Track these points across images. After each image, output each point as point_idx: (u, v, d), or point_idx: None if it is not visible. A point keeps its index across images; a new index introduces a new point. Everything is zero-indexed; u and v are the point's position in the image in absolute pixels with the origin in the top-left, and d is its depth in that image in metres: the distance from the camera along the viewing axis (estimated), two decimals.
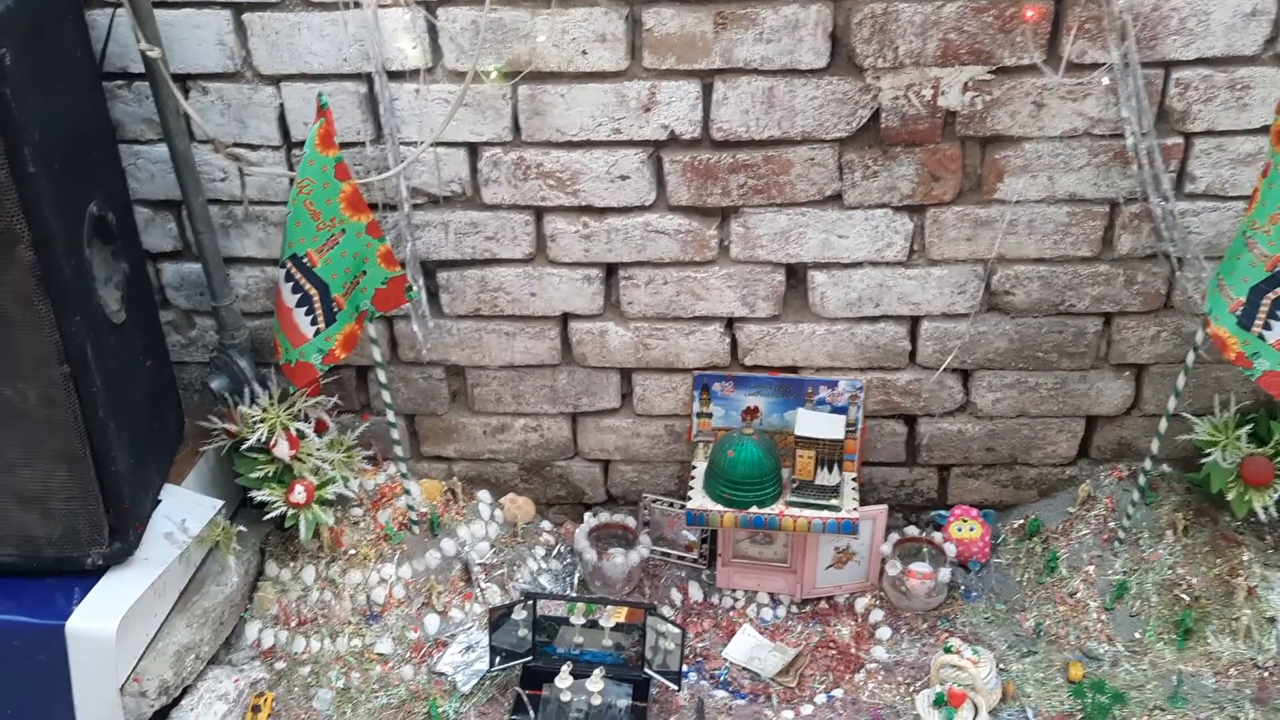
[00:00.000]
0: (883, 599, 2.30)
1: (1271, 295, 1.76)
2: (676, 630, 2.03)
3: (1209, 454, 2.11)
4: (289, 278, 1.93)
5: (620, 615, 2.09)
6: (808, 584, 2.31)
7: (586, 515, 2.42)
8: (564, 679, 2.03)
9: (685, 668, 2.17)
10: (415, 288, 2.15)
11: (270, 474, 2.12)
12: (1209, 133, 1.97)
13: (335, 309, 1.99)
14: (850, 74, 1.96)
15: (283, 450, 2.10)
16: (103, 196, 1.88)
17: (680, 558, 2.40)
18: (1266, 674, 2.05)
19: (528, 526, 2.42)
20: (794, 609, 2.32)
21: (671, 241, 2.13)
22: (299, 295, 1.94)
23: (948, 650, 2.06)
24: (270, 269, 2.22)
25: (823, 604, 2.32)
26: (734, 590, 2.35)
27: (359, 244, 1.96)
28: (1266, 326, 1.79)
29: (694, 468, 2.29)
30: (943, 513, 2.37)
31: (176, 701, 2.04)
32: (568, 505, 2.50)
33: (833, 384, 2.24)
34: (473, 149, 2.07)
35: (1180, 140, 1.99)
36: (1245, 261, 1.77)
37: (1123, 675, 2.08)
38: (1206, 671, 2.08)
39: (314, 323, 1.98)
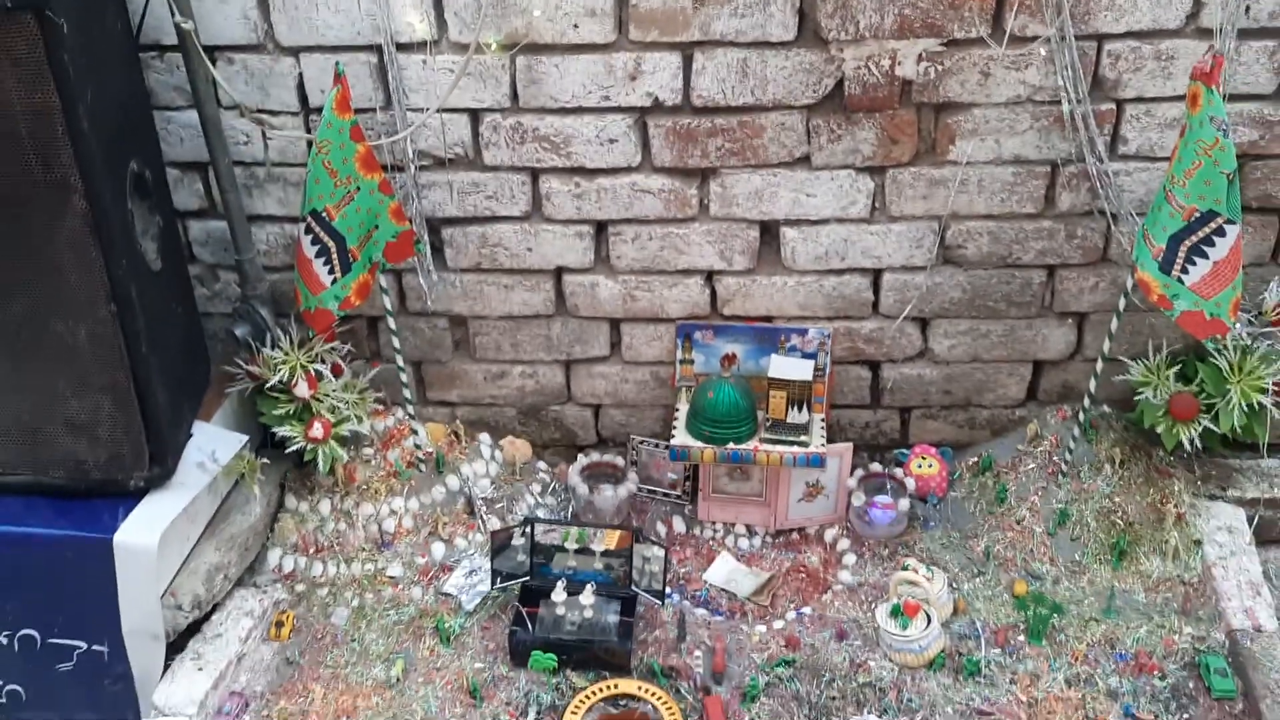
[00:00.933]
0: (849, 529, 2.51)
1: (1188, 242, 1.96)
2: (660, 551, 2.24)
3: (1142, 393, 2.33)
4: (308, 231, 2.12)
5: (611, 542, 2.29)
6: (780, 516, 2.52)
7: (579, 455, 2.62)
8: (559, 594, 2.24)
9: (669, 589, 2.39)
10: (423, 242, 2.35)
11: (290, 412, 2.33)
12: (1138, 99, 2.18)
13: (350, 260, 2.18)
14: (816, 46, 2.15)
15: (302, 389, 2.30)
16: (141, 156, 2.07)
17: (665, 494, 2.61)
18: (1191, 589, 2.27)
19: (525, 466, 2.62)
20: (768, 539, 2.53)
21: (656, 200, 2.33)
22: (318, 247, 2.14)
23: (905, 569, 2.27)
24: (289, 226, 2.41)
25: (795, 535, 2.54)
26: (714, 523, 2.56)
27: (372, 200, 2.16)
28: (1184, 270, 2.00)
29: (678, 410, 2.50)
30: (904, 451, 2.58)
31: (208, 616, 2.25)
32: (562, 447, 2.70)
33: (803, 332, 2.45)
34: (475, 115, 2.26)
35: (1113, 106, 2.19)
36: (1165, 213, 1.98)
37: (1063, 592, 2.30)
38: (1138, 588, 2.30)
39: (331, 272, 2.17)
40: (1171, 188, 1.95)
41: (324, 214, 2.11)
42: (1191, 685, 2.09)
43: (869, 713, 2.08)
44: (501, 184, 2.33)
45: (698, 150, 2.26)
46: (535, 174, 2.32)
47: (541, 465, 2.66)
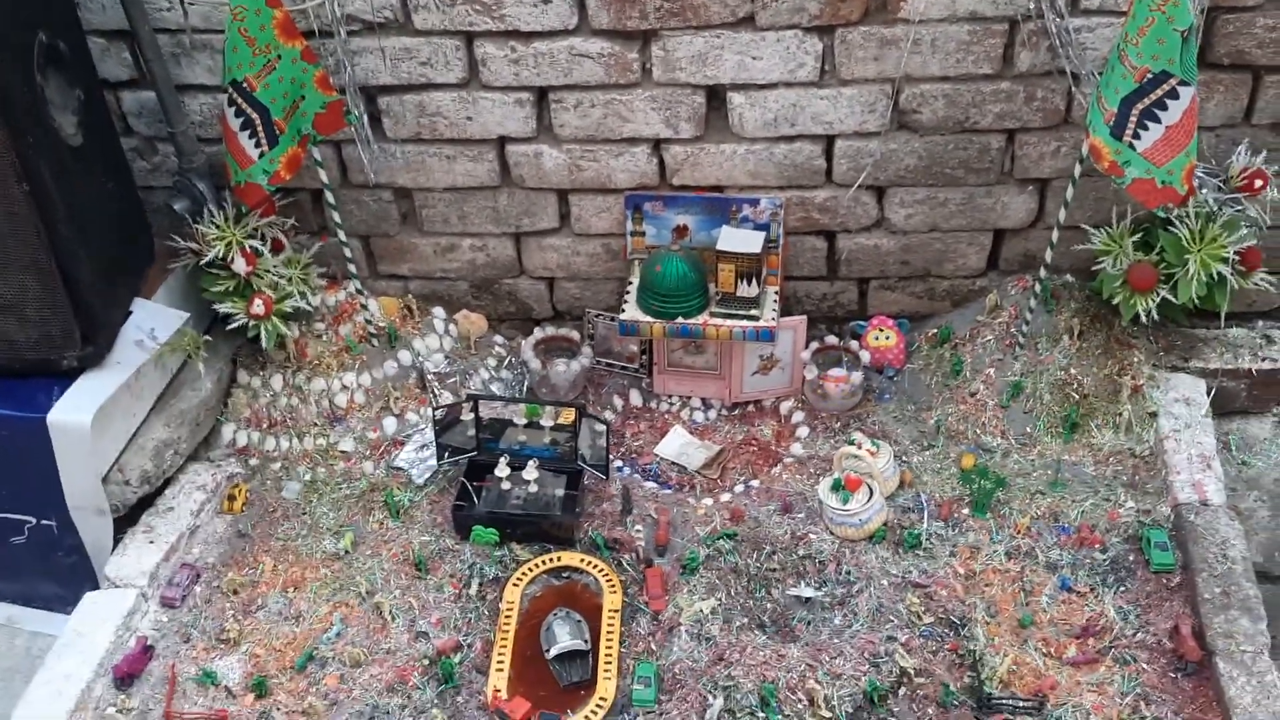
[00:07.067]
0: (804, 402, 2.48)
1: (1140, 105, 1.86)
2: (602, 425, 2.23)
3: (1103, 262, 2.25)
4: (231, 102, 2.06)
5: (567, 417, 2.28)
6: (735, 389, 2.50)
7: (535, 330, 2.59)
8: (502, 469, 2.25)
9: (619, 463, 2.39)
10: (355, 112, 2.27)
11: (231, 289, 2.30)
12: None
13: (277, 132, 2.12)
14: None
15: (240, 266, 2.27)
16: (51, 25, 1.99)
17: (623, 368, 2.59)
18: (1142, 462, 2.24)
19: (480, 340, 2.60)
20: (724, 412, 2.52)
21: (596, 65, 2.23)
22: (242, 119, 2.08)
23: (850, 443, 2.26)
24: (221, 96, 2.33)
25: (750, 408, 2.52)
26: (670, 396, 2.55)
27: (295, 69, 2.08)
28: (1136, 136, 1.89)
29: (630, 283, 2.45)
30: (862, 323, 2.53)
31: (160, 491, 2.28)
32: (518, 321, 2.67)
33: (755, 202, 2.37)
34: None
35: None
36: (1118, 74, 1.87)
37: (1012, 465, 2.28)
38: (1088, 461, 2.27)
39: (258, 145, 2.11)
40: (1125, 47, 1.83)
41: (245, 84, 2.04)
42: (1131, 558, 2.08)
43: (806, 585, 2.09)
44: (435, 49, 2.24)
45: (636, 11, 2.15)
46: (469, 38, 2.22)
47: (498, 339, 2.64)
